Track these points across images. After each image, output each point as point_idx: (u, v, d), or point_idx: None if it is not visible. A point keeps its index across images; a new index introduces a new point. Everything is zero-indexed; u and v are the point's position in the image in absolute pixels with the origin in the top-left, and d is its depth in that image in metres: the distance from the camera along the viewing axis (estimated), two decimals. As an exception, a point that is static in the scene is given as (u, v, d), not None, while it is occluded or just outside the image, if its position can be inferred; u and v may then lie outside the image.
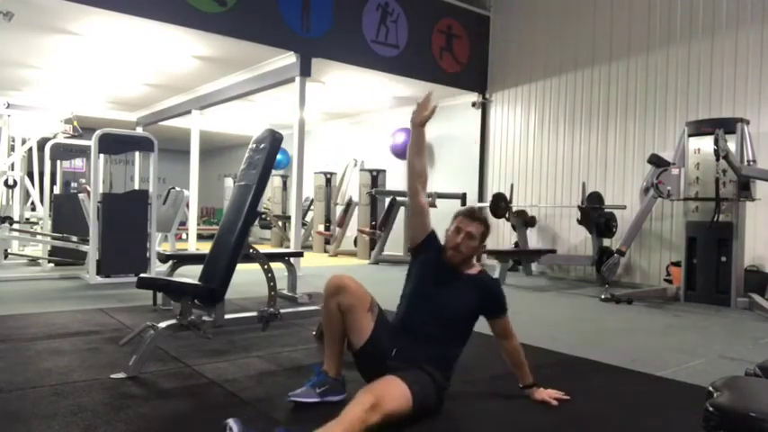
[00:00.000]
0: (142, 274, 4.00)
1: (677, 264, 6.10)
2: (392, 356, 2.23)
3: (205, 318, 2.80)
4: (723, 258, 5.50)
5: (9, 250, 7.57)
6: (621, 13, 7.32)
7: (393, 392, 1.98)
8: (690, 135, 5.78)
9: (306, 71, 7.11)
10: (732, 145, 5.36)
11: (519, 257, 7.80)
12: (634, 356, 3.33)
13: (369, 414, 1.83)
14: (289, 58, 7.25)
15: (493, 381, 2.72)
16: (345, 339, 2.37)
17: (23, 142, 8.49)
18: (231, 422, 1.85)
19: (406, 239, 2.54)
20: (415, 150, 2.51)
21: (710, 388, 1.67)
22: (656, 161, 5.89)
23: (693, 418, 1.74)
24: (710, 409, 1.53)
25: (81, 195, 7.01)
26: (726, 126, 5.43)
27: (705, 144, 5.53)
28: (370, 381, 2.14)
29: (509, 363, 2.47)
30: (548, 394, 2.41)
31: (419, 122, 2.46)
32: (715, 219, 5.39)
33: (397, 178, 10.26)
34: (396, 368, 2.13)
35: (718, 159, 5.27)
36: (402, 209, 9.08)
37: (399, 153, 10.01)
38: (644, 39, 7.08)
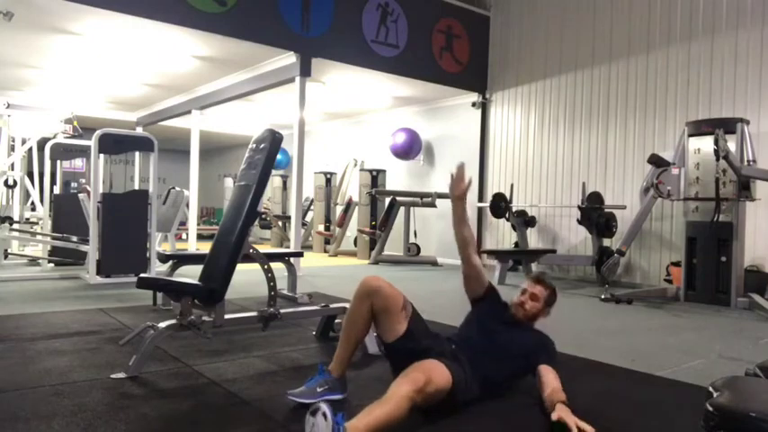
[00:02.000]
0: (142, 274, 3.99)
1: (677, 264, 6.10)
2: (448, 347, 2.34)
3: (205, 318, 2.80)
4: (723, 258, 5.50)
5: (9, 250, 7.57)
6: (621, 13, 7.32)
7: (438, 374, 2.06)
8: (690, 135, 5.78)
9: (306, 71, 7.11)
10: (732, 145, 5.36)
11: (519, 257, 7.79)
12: (634, 356, 3.33)
13: (416, 393, 1.90)
14: (289, 58, 7.24)
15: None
16: (360, 344, 2.46)
17: (23, 142, 8.48)
18: (324, 407, 1.72)
19: (466, 294, 2.72)
20: (458, 221, 2.58)
21: (710, 388, 1.67)
22: (656, 161, 5.89)
23: (693, 418, 1.74)
24: (710, 409, 1.53)
25: (81, 195, 7.00)
26: (726, 126, 5.43)
27: (705, 144, 5.53)
28: (399, 372, 2.17)
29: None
30: (572, 420, 2.00)
31: (458, 195, 2.53)
32: (715, 219, 5.39)
33: (397, 178, 10.28)
34: (435, 352, 2.23)
35: (718, 159, 5.26)
36: (402, 209, 9.08)
37: (399, 153, 10.00)
38: (644, 39, 7.08)
